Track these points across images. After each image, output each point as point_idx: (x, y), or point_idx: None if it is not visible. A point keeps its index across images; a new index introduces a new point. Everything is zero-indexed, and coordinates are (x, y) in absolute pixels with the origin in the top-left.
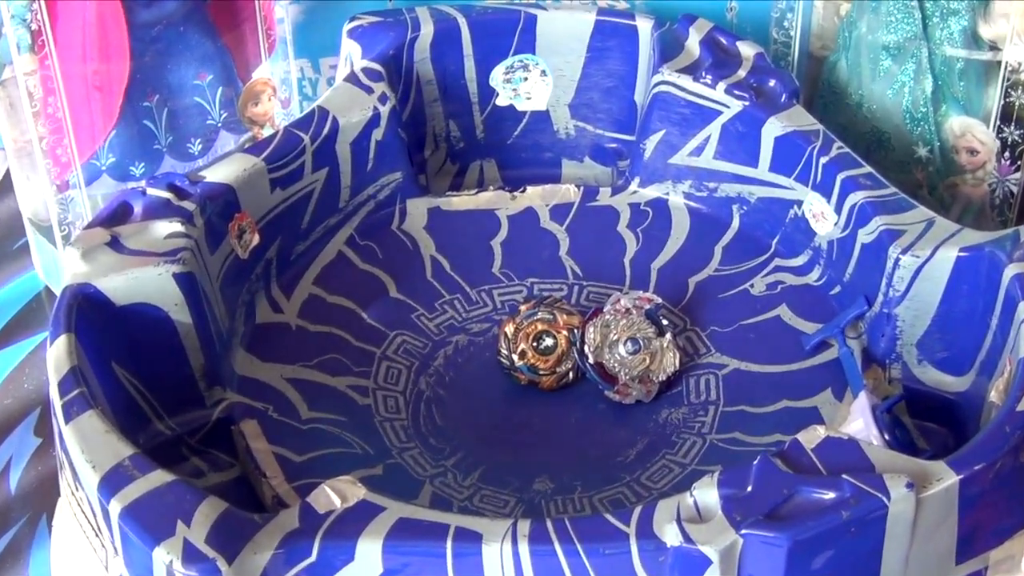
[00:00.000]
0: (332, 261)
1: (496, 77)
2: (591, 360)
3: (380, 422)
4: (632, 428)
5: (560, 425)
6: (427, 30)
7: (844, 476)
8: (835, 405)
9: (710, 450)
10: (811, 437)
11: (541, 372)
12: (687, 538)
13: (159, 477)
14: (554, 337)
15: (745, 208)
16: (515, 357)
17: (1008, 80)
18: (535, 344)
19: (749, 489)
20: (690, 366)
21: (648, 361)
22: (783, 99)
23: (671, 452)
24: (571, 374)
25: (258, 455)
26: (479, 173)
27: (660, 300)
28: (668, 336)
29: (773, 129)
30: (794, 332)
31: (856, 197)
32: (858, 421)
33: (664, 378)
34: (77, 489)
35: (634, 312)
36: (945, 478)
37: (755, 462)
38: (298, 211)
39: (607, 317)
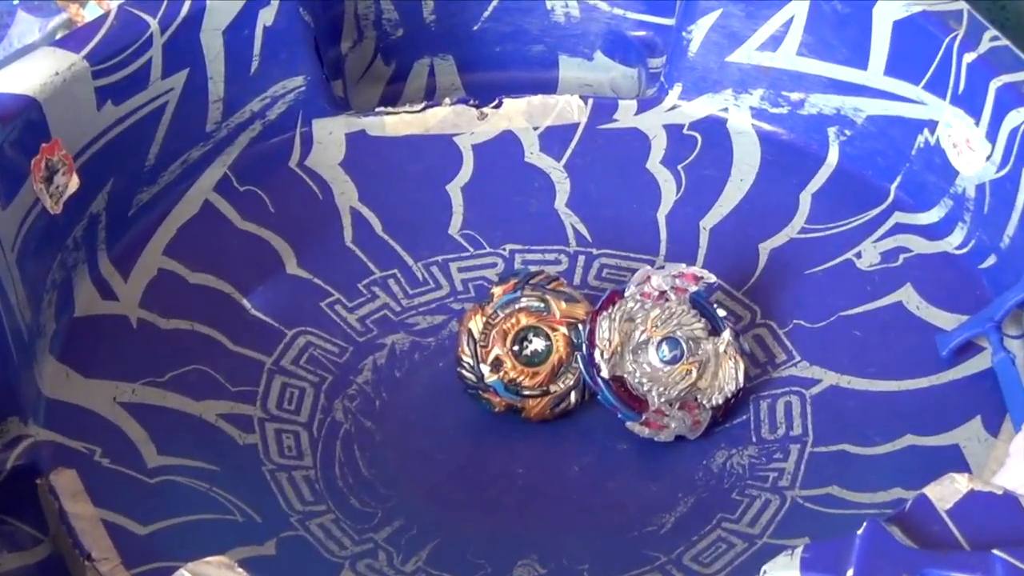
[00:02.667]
0: (194, 218)
1: None
2: (605, 373)
3: (272, 472)
4: (670, 480)
5: (556, 476)
6: None
7: (996, 551)
8: (986, 442)
9: (792, 513)
10: (947, 492)
11: (526, 392)
12: None
13: None
14: (546, 337)
15: (848, 133)
16: (485, 369)
17: None
18: (517, 348)
19: (850, 574)
20: (760, 382)
21: (695, 375)
22: None
23: (730, 517)
24: (573, 396)
25: (78, 524)
26: (427, 77)
27: (714, 278)
28: (726, 336)
29: (891, 8)
30: (923, 328)
31: (1020, 116)
32: (1021, 467)
33: (720, 402)
34: None
35: (673, 298)
36: None
37: (860, 531)
38: (141, 140)
39: (630, 306)
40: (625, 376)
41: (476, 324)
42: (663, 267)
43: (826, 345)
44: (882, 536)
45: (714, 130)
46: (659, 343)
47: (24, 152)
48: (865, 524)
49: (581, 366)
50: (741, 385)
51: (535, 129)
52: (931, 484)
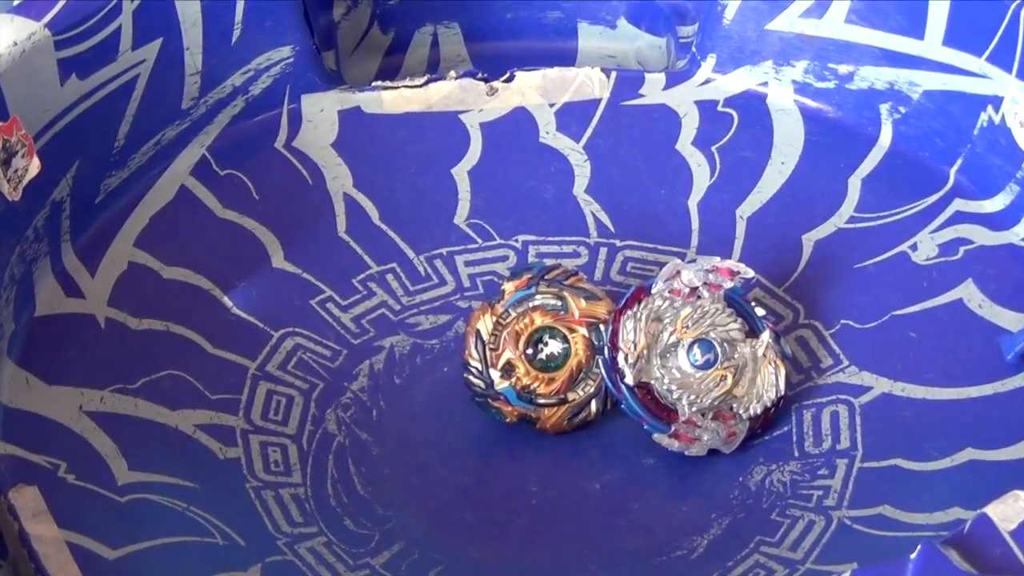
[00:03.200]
0: (169, 205)
1: None
2: (630, 380)
3: (256, 489)
4: (702, 499)
5: (574, 494)
6: None
7: None
8: None
9: (838, 535)
10: (1011, 512)
11: (541, 401)
12: None
13: None
14: (564, 339)
15: (903, 111)
16: (495, 374)
17: None
18: (531, 352)
19: None
20: (804, 390)
21: (730, 381)
22: None
23: (769, 540)
24: (593, 405)
25: (41, 548)
26: (430, 47)
27: (752, 273)
28: (766, 337)
29: None
30: (987, 328)
31: None
32: None
33: (758, 411)
34: None
35: (706, 295)
36: None
37: (914, 555)
38: (109, 118)
39: (658, 304)
40: (652, 383)
41: (485, 324)
42: (695, 260)
43: (878, 348)
44: (938, 560)
45: (752, 107)
46: (690, 346)
47: None
48: (919, 547)
49: (603, 371)
50: (782, 393)
51: (551, 106)
52: (993, 503)
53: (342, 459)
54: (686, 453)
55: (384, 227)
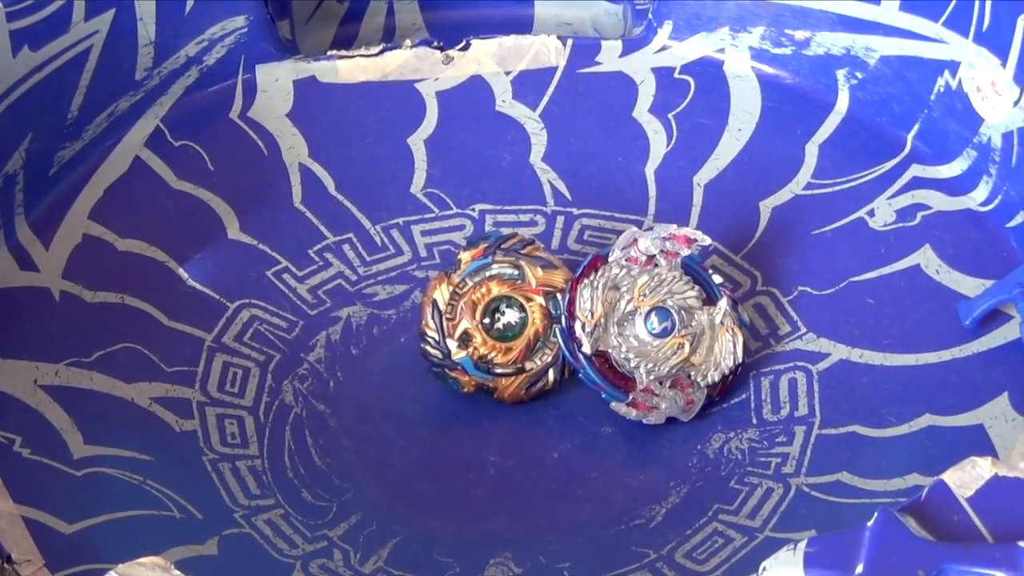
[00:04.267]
0: (123, 177)
1: None
2: (587, 349)
3: (213, 462)
4: (660, 467)
5: (533, 464)
6: None
7: (1022, 544)
8: (1013, 422)
9: (796, 502)
10: (969, 478)
11: (498, 371)
12: None
13: None
14: (521, 308)
15: (859, 76)
16: (452, 344)
17: None
18: (488, 321)
19: (859, 571)
20: (762, 357)
21: (688, 349)
22: None
23: (727, 508)
24: (551, 374)
25: None
26: (386, 16)
27: (710, 241)
28: (723, 305)
29: None
30: (944, 294)
31: None
32: None
33: (716, 379)
34: None
35: (663, 263)
36: None
37: (871, 522)
38: (62, 90)
39: (615, 272)
40: (610, 351)
41: (442, 294)
42: (652, 228)
43: (835, 315)
44: (895, 527)
45: (709, 74)
46: (647, 314)
47: None
48: (877, 514)
49: (560, 341)
50: (740, 360)
51: (507, 74)
52: (951, 469)
53: (299, 431)
54: (644, 421)
55: (340, 197)
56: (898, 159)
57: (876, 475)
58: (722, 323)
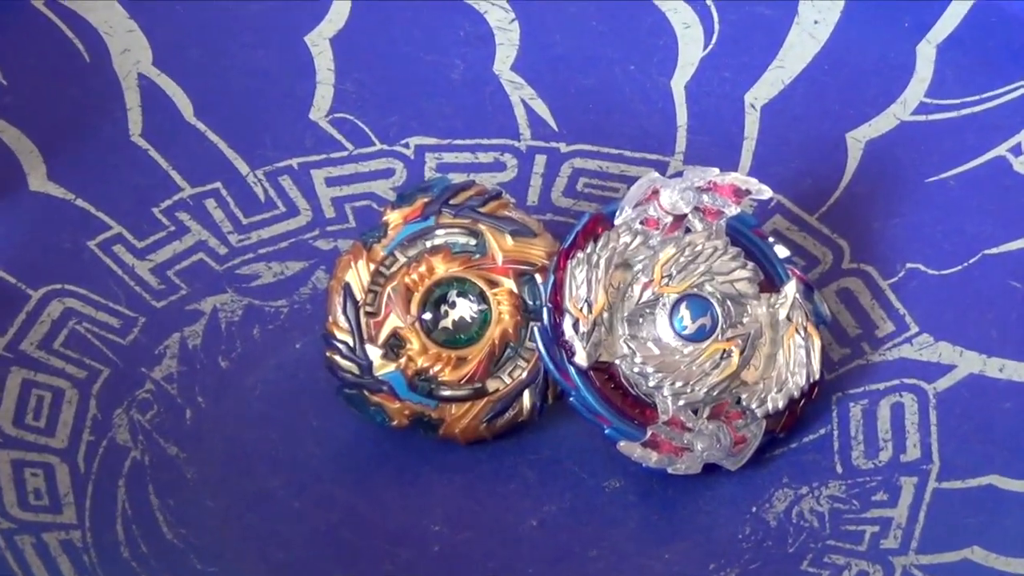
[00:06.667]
0: None
1: None
2: (582, 359)
3: (7, 535)
4: (695, 541)
5: (499, 537)
6: None
7: None
8: None
9: None
10: None
11: (445, 392)
12: None
13: None
14: (480, 298)
15: None
16: (375, 353)
17: None
18: (430, 318)
19: None
20: (851, 371)
21: (736, 360)
22: None
23: None
24: (526, 398)
25: None
26: None
27: (770, 192)
28: (791, 291)
29: None
30: None
31: None
32: None
33: (782, 405)
34: None
35: (699, 226)
36: None
37: None
38: None
39: (625, 241)
40: (617, 363)
41: (358, 276)
42: (681, 174)
43: (962, 307)
44: None
45: None
46: (675, 305)
47: None
48: None
49: (540, 347)
50: (816, 376)
51: None
52: None
53: (139, 486)
54: (669, 471)
55: (201, 126)
56: None
57: (1022, 551)
58: (789, 320)
